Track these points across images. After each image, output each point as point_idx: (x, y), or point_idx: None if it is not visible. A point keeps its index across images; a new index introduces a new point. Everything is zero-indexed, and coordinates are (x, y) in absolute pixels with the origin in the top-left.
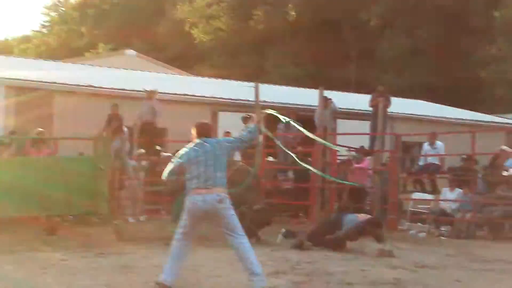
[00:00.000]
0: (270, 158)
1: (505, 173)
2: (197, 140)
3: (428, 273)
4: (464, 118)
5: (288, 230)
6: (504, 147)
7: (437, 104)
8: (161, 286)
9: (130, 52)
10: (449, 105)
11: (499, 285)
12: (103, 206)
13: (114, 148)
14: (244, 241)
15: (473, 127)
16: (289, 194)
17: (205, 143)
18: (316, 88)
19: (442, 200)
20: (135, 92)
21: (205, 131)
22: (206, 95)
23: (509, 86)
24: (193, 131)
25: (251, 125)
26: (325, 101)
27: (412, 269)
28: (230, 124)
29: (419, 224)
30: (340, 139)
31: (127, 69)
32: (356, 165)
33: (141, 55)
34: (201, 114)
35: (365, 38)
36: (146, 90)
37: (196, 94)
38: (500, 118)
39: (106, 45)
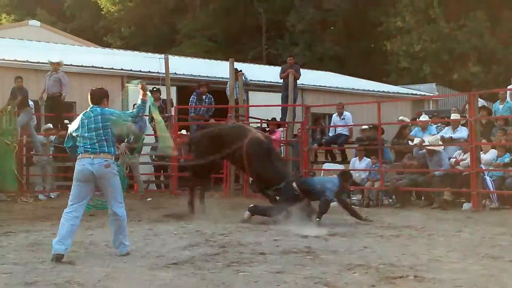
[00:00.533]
0: (184, 132)
1: (410, 143)
2: (88, 108)
3: (338, 241)
4: (371, 89)
5: (255, 205)
6: (402, 117)
7: (346, 76)
8: (58, 257)
9: (34, 22)
10: (357, 77)
11: (405, 250)
12: (11, 184)
13: (20, 123)
14: (121, 211)
15: (380, 98)
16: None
17: (91, 112)
18: (227, 60)
19: (351, 170)
20: (40, 64)
21: (94, 98)
22: (115, 67)
23: (414, 57)
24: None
25: (139, 101)
26: (236, 73)
27: (323, 237)
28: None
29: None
30: (251, 111)
31: (31, 40)
32: None
33: (45, 26)
34: (110, 87)
35: (275, 11)
36: (52, 62)
37: (105, 66)
38: (406, 89)
39: (9, 16)
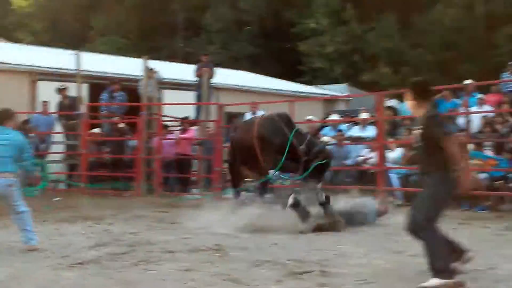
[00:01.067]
0: (96, 130)
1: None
2: None
3: (249, 238)
4: (285, 89)
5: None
6: (309, 117)
7: (260, 75)
8: None
9: None
10: (272, 76)
11: (313, 246)
12: None
13: None
14: (24, 214)
15: (293, 98)
16: (110, 166)
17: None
18: (140, 58)
19: None
20: None
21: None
22: (24, 63)
23: (327, 58)
24: None
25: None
26: (150, 71)
27: (233, 235)
28: (50, 94)
29: (243, 192)
30: (165, 109)
31: None
32: (182, 135)
33: None
34: (19, 84)
35: (191, 9)
36: None
37: (13, 62)
38: (318, 89)
39: None
